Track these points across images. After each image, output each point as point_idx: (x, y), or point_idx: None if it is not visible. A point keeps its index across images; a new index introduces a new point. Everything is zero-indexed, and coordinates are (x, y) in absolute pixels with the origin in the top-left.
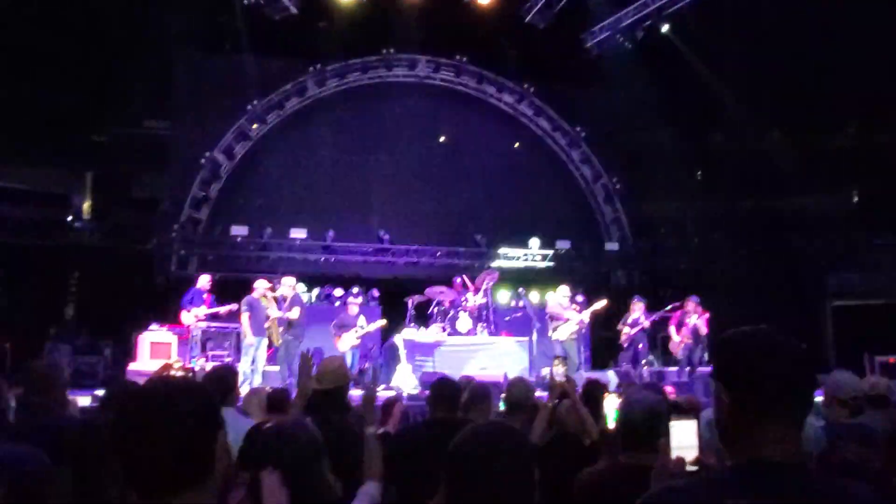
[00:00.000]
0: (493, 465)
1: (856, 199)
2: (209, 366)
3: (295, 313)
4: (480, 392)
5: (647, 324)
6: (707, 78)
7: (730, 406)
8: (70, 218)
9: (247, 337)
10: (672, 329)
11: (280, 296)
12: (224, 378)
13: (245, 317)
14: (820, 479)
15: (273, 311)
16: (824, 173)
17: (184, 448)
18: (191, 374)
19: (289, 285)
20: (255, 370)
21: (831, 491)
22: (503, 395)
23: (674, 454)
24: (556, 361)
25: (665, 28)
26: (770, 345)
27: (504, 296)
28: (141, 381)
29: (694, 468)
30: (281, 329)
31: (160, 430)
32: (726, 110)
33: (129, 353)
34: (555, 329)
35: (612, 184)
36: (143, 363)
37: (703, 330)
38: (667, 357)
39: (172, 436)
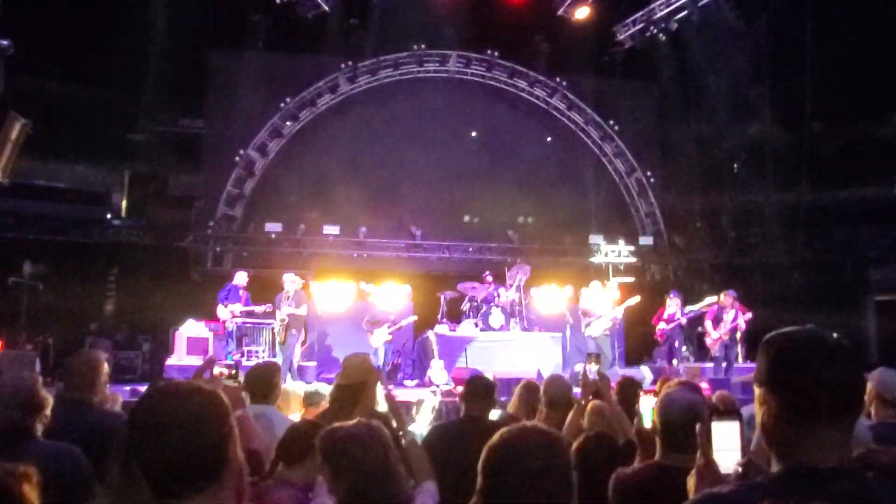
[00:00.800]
0: (529, 470)
1: None
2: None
3: (304, 310)
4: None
5: (683, 319)
6: (744, 68)
7: (777, 411)
8: (109, 215)
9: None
10: (709, 324)
11: (285, 292)
12: (265, 375)
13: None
14: (875, 486)
15: (285, 308)
16: (866, 164)
17: (192, 452)
18: (234, 372)
19: (291, 281)
20: (290, 366)
21: (887, 497)
22: (542, 393)
23: (716, 456)
24: (590, 359)
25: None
26: (819, 347)
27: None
28: (179, 375)
29: (739, 469)
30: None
31: (166, 434)
32: (764, 101)
33: (166, 348)
34: (588, 325)
35: (645, 177)
36: (181, 358)
37: (743, 328)
38: (703, 353)
39: (179, 440)
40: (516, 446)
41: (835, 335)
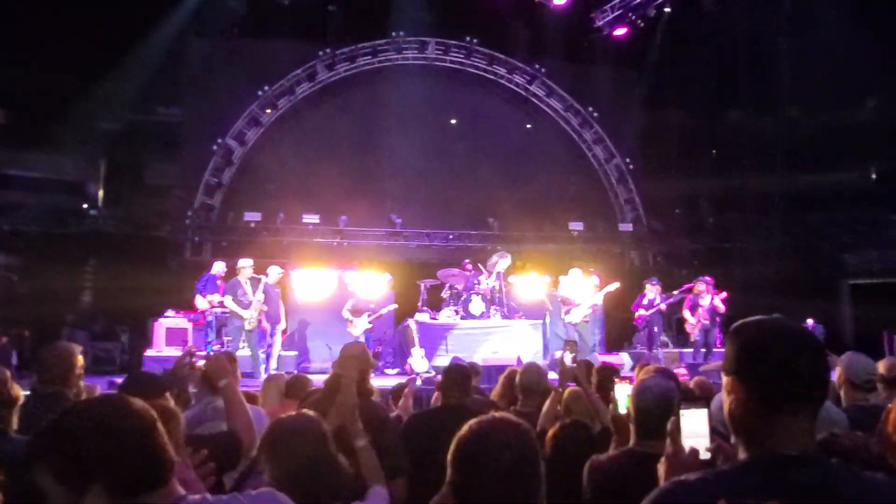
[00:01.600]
0: (497, 461)
1: (874, 175)
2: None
3: (260, 296)
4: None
5: (662, 306)
6: (721, 54)
7: (744, 400)
8: (85, 205)
9: (261, 322)
10: (686, 312)
11: (243, 278)
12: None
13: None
14: (839, 472)
15: (259, 295)
16: (842, 150)
17: (125, 456)
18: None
19: (248, 266)
20: (270, 355)
21: (850, 483)
22: (516, 381)
23: (685, 443)
24: (566, 346)
25: (667, 10)
26: (785, 336)
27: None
28: (158, 367)
29: (706, 456)
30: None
31: (112, 447)
32: (741, 87)
33: (145, 338)
34: (567, 312)
35: (625, 164)
36: (160, 349)
37: (721, 308)
38: (682, 338)
39: (112, 448)
40: (485, 438)
41: (810, 322)
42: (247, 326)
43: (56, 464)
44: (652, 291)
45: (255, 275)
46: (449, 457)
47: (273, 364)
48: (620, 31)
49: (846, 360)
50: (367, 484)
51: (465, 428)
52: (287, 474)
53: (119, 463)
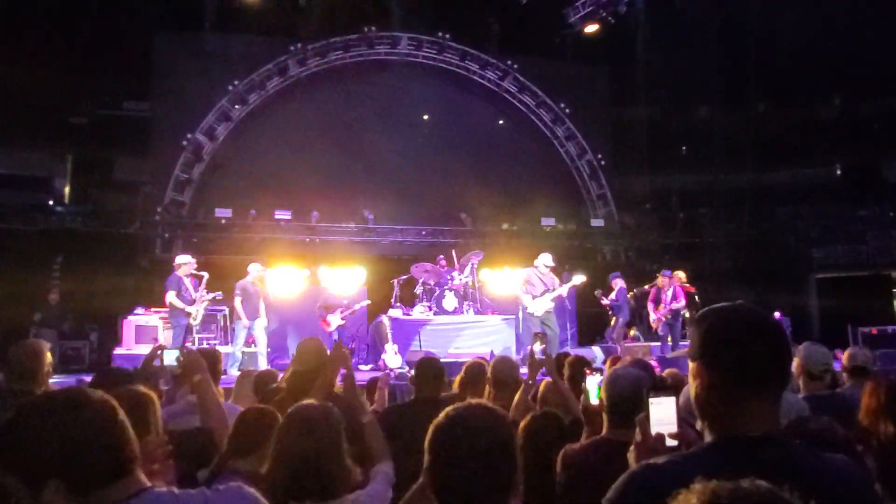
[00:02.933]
0: (472, 446)
1: (839, 171)
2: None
3: (203, 292)
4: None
5: (606, 302)
6: (692, 51)
7: (709, 384)
8: (52, 202)
9: (242, 320)
10: (650, 306)
11: (189, 275)
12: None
13: (238, 301)
14: (801, 452)
15: (201, 292)
16: (808, 146)
17: (82, 449)
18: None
19: (186, 263)
20: (258, 353)
21: (813, 463)
22: (488, 373)
23: (654, 430)
24: (535, 338)
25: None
26: (747, 322)
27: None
28: (127, 365)
29: (674, 443)
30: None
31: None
32: (711, 84)
33: (114, 337)
34: (533, 300)
35: (596, 159)
36: (129, 347)
37: (682, 303)
38: (652, 332)
39: (66, 443)
40: (461, 424)
41: (777, 315)
42: (192, 322)
43: (12, 462)
44: (616, 286)
45: (195, 272)
46: (426, 443)
47: (262, 361)
48: (592, 28)
49: (803, 350)
50: (375, 460)
51: (441, 414)
52: (292, 462)
53: (75, 457)
